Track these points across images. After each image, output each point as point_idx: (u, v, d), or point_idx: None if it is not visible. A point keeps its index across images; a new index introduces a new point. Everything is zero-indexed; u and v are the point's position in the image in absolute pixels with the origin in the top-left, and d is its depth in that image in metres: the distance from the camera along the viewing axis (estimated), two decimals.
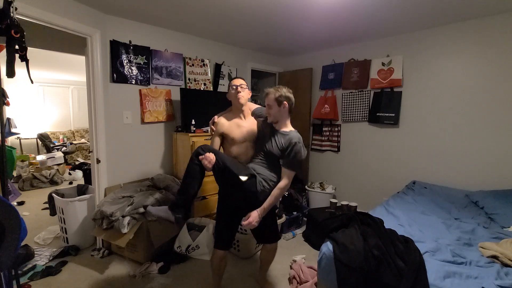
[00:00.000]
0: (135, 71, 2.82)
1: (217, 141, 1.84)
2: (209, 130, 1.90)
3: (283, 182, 1.65)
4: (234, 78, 1.91)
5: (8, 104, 1.52)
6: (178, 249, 2.53)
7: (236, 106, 1.85)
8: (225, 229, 1.84)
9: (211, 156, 1.56)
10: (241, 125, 1.83)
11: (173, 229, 2.58)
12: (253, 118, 1.91)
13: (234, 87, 1.81)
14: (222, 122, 1.84)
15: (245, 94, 1.83)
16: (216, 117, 1.90)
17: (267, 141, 1.73)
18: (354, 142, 3.62)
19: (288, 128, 1.73)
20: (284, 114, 1.70)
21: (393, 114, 3.18)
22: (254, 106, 1.96)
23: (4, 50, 1.33)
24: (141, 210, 2.32)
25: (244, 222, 1.60)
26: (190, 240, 2.51)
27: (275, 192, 1.65)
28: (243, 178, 1.60)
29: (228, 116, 1.88)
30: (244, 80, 1.88)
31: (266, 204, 1.63)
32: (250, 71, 3.99)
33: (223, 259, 1.85)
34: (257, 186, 1.64)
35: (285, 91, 1.69)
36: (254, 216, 1.59)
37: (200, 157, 1.57)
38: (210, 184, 2.84)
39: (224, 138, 1.84)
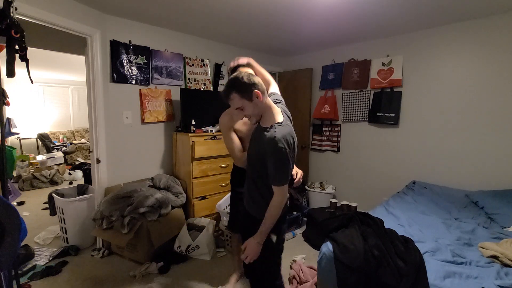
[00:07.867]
0: (135, 71, 2.82)
1: (235, 137, 1.81)
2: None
3: (274, 200, 1.32)
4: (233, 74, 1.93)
5: (8, 104, 1.52)
6: (178, 249, 2.53)
7: None
8: (234, 212, 1.96)
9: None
10: (246, 122, 1.82)
11: (173, 229, 2.58)
12: None
13: None
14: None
15: None
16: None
17: (249, 145, 1.51)
18: (354, 142, 3.62)
19: (271, 121, 1.34)
20: (261, 104, 1.33)
21: (393, 114, 3.18)
22: None
23: (4, 50, 1.33)
24: (141, 210, 2.32)
25: (242, 256, 1.38)
26: (190, 240, 2.51)
27: (267, 213, 1.33)
28: (273, 237, 1.41)
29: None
30: None
31: (262, 227, 1.34)
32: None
33: (240, 241, 1.79)
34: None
35: (245, 79, 1.27)
36: (251, 245, 1.34)
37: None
38: (210, 184, 2.85)
39: (236, 132, 1.85)
